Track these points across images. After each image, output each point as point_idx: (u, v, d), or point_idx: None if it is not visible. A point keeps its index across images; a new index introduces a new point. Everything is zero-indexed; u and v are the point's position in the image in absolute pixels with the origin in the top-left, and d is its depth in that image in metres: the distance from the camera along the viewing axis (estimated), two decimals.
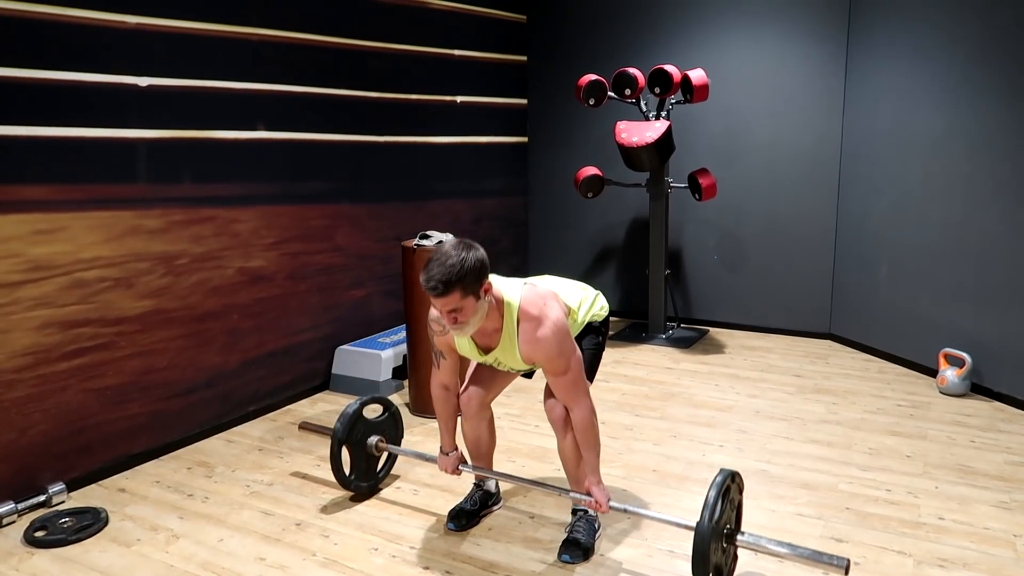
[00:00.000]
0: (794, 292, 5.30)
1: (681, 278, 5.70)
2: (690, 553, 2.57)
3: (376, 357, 4.17)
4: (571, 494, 2.54)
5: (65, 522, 2.80)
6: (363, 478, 3.00)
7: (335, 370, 4.30)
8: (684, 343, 5.17)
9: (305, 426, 3.31)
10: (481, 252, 2.24)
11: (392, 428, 3.10)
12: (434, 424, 3.77)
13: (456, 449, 2.72)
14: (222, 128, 3.60)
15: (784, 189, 5.22)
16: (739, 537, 2.24)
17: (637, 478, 3.14)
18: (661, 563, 2.52)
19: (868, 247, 4.78)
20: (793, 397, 4.10)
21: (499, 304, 2.34)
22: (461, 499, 2.86)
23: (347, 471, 2.95)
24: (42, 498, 2.95)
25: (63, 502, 2.99)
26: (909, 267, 4.47)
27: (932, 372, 4.28)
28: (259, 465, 3.35)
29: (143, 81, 3.24)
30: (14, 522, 2.84)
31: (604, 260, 5.97)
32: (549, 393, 2.51)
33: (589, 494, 2.44)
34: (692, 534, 2.12)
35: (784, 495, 2.97)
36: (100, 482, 3.18)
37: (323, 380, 4.31)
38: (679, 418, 3.82)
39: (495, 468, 2.91)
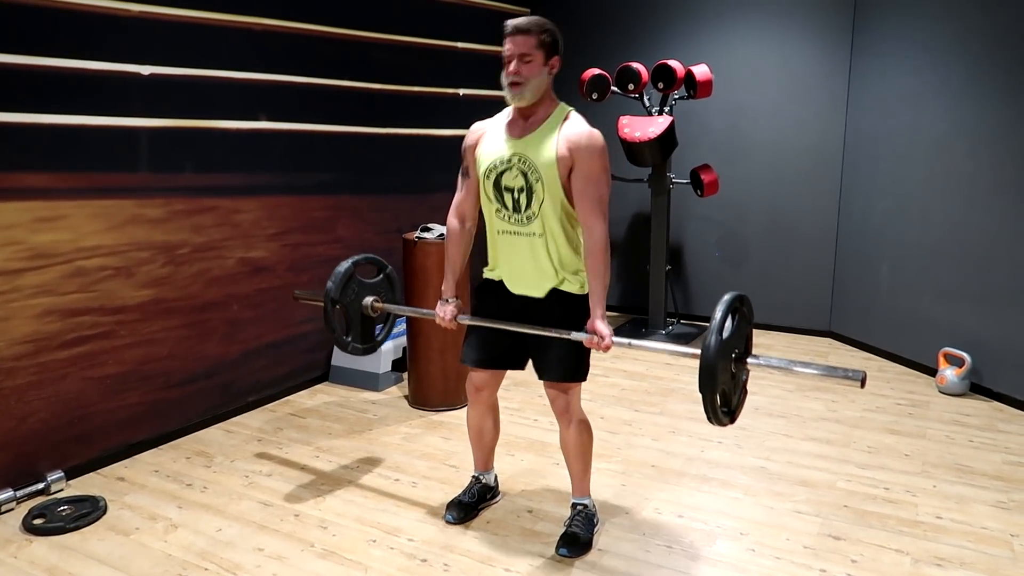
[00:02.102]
0: (795, 289, 5.30)
1: (682, 274, 5.70)
2: (688, 548, 2.58)
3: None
4: (572, 334, 2.33)
5: (64, 510, 2.80)
6: (360, 340, 2.90)
7: (334, 361, 4.30)
8: (684, 339, 5.16)
9: (299, 296, 3.19)
10: (561, 38, 2.35)
11: (388, 290, 2.96)
12: (434, 417, 3.78)
13: (457, 297, 2.61)
14: (224, 118, 3.59)
15: (786, 186, 5.22)
16: (750, 360, 2.10)
17: (636, 473, 3.15)
18: (659, 558, 2.53)
19: (869, 245, 4.78)
20: (792, 394, 4.10)
21: (553, 100, 2.38)
22: (459, 492, 2.86)
23: (345, 334, 2.85)
24: (41, 486, 2.96)
25: (62, 490, 3.00)
26: (910, 266, 4.47)
27: (932, 371, 4.28)
28: (258, 455, 3.35)
29: (145, 69, 3.23)
30: (13, 509, 2.84)
31: None
32: (550, 385, 2.51)
33: (592, 331, 2.30)
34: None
35: (782, 492, 2.97)
36: (99, 471, 3.18)
37: (323, 371, 4.30)
38: (678, 414, 3.82)
39: (495, 461, 2.91)
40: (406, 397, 4.03)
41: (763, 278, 5.40)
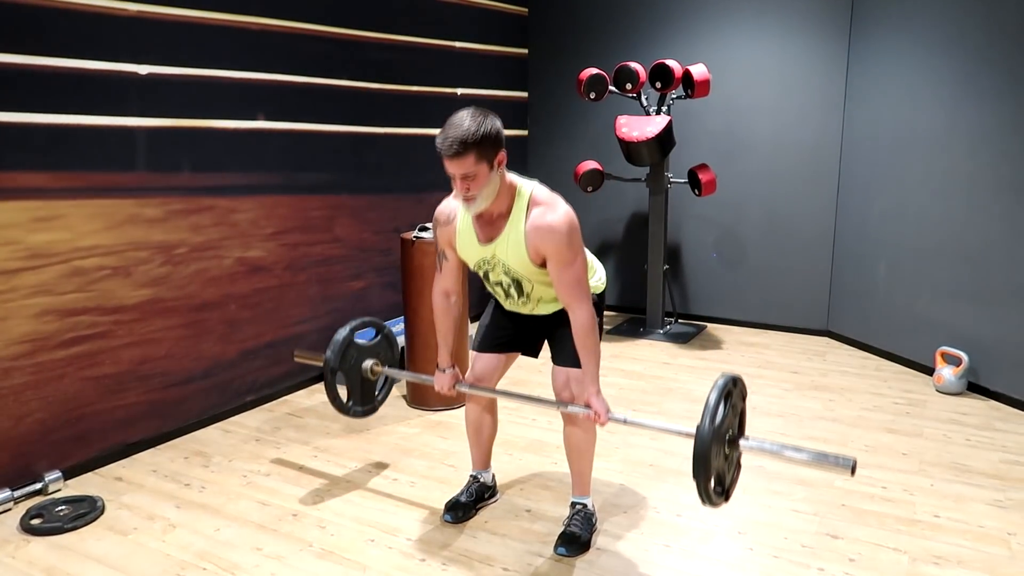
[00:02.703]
0: (792, 289, 5.30)
1: (679, 273, 5.70)
2: (686, 547, 2.58)
3: None
4: (568, 407, 2.39)
5: (61, 510, 2.80)
6: (361, 403, 2.94)
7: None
8: (682, 338, 5.17)
9: (300, 356, 3.25)
10: (498, 121, 2.19)
11: (387, 350, 2.99)
12: (432, 416, 3.78)
13: (453, 366, 2.63)
14: (222, 117, 3.59)
15: (784, 186, 5.22)
16: (742, 441, 2.13)
17: (634, 472, 3.15)
18: (657, 557, 2.53)
19: (867, 245, 4.78)
20: (790, 394, 4.10)
21: (511, 189, 2.28)
22: (458, 491, 2.86)
23: (344, 399, 2.89)
24: (39, 486, 2.95)
25: (59, 490, 2.99)
26: (908, 265, 4.47)
27: (929, 370, 4.29)
28: (256, 455, 3.35)
29: (143, 69, 3.22)
30: (10, 510, 2.84)
31: (603, 254, 5.96)
32: (557, 379, 2.50)
33: (588, 406, 2.33)
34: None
35: (780, 491, 2.98)
36: (97, 470, 3.18)
37: (321, 371, 4.29)
38: (676, 413, 3.82)
39: (493, 460, 2.91)
40: (404, 397, 4.02)
41: (761, 277, 5.40)
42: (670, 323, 5.46)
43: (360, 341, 2.89)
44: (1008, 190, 3.82)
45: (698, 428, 2.01)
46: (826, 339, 5.18)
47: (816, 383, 4.27)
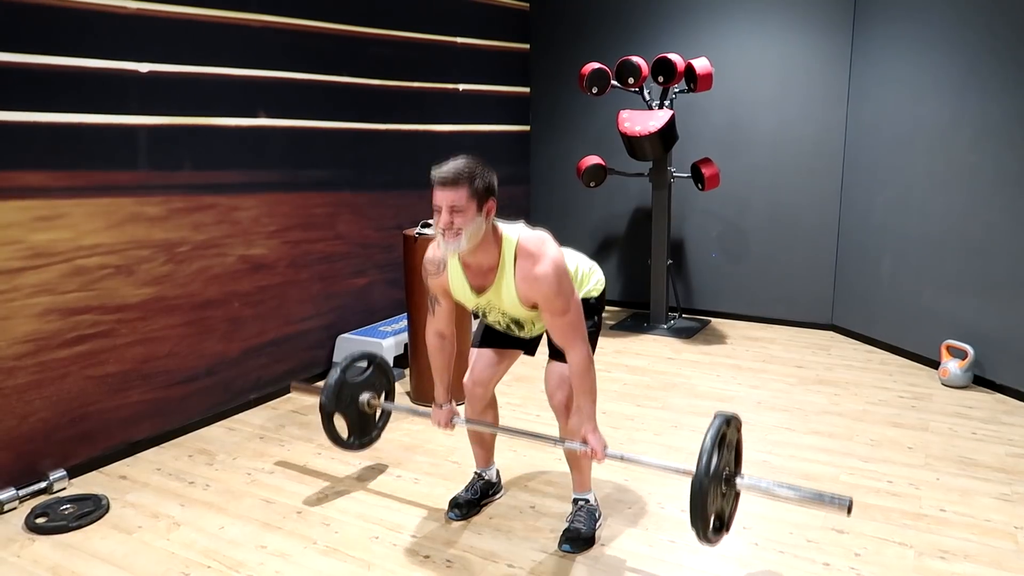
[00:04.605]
0: (796, 283, 5.29)
1: (683, 268, 5.69)
2: (691, 543, 2.57)
3: (377, 346, 4.16)
4: (566, 443, 2.44)
5: (66, 509, 2.80)
6: (361, 436, 2.97)
7: (336, 359, 4.29)
8: (686, 333, 5.16)
9: (297, 387, 3.30)
10: (495, 175, 2.26)
11: (381, 379, 3.00)
12: None
13: (450, 402, 2.64)
14: (223, 115, 3.58)
15: (787, 179, 5.20)
16: (738, 480, 2.18)
17: (638, 469, 3.14)
18: (662, 552, 2.52)
19: (871, 238, 4.76)
20: (795, 388, 4.09)
21: (497, 239, 2.28)
22: (462, 488, 2.86)
23: (345, 435, 2.91)
24: (43, 485, 2.96)
25: (64, 489, 3.00)
26: (912, 258, 4.45)
27: (934, 364, 4.27)
28: (260, 453, 3.35)
29: (144, 67, 3.21)
30: (15, 508, 2.84)
31: (606, 250, 5.95)
32: (551, 379, 2.50)
33: (585, 443, 2.35)
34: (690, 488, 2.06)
35: None
36: (101, 469, 3.18)
37: (324, 368, 4.30)
38: (680, 408, 3.81)
39: (497, 457, 2.90)
40: (408, 393, 4.02)
41: (764, 271, 5.39)
42: (674, 318, 5.45)
43: (353, 379, 2.93)
44: (1012, 182, 3.79)
45: (694, 473, 2.05)
46: (831, 333, 5.17)
47: (821, 377, 4.26)
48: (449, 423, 2.63)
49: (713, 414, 2.18)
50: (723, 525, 2.19)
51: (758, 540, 2.59)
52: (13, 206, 2.82)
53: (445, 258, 2.38)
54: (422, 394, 3.88)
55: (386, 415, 3.09)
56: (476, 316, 2.59)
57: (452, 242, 2.18)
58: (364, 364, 2.97)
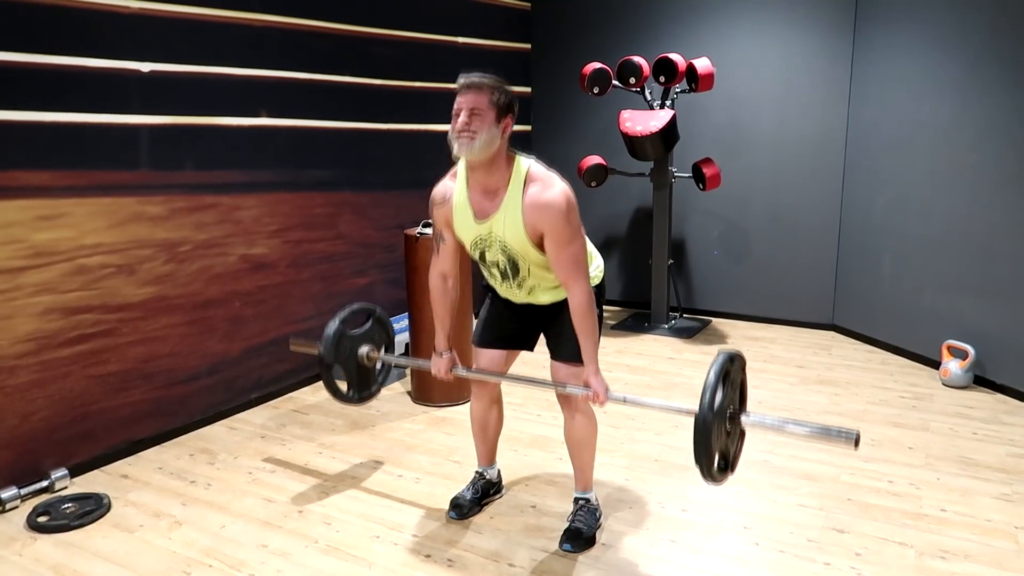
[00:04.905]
0: (797, 283, 5.29)
1: (684, 268, 5.69)
2: (692, 542, 2.57)
3: None
4: (567, 388, 2.38)
5: (68, 508, 2.81)
6: (360, 389, 2.91)
7: None
8: (687, 333, 5.16)
9: (295, 345, 3.18)
10: (518, 101, 2.29)
11: (380, 333, 2.95)
12: (437, 412, 3.78)
13: (450, 350, 2.60)
14: (224, 115, 3.59)
15: (788, 179, 5.20)
16: (743, 418, 2.14)
17: (639, 468, 3.14)
18: (663, 552, 2.52)
19: (872, 238, 4.76)
20: (796, 388, 4.09)
21: (509, 161, 2.26)
22: (463, 487, 2.86)
23: (344, 388, 2.87)
24: (45, 484, 2.96)
25: (66, 488, 3.00)
26: (913, 258, 4.45)
27: (935, 364, 4.27)
28: (261, 452, 3.35)
29: (145, 67, 3.22)
30: (17, 507, 2.85)
31: (607, 249, 5.95)
32: (561, 364, 2.48)
33: (587, 385, 2.32)
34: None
35: (786, 486, 2.97)
36: (103, 468, 3.19)
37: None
38: None
39: (498, 456, 2.90)
40: (409, 393, 4.03)
41: (765, 271, 5.39)
42: (675, 318, 5.45)
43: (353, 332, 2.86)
44: (1013, 182, 3.79)
45: (697, 410, 2.01)
46: (831, 333, 5.17)
47: (822, 377, 4.26)
48: (448, 371, 2.59)
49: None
50: (728, 465, 2.14)
51: (758, 540, 2.59)
52: (15, 205, 2.82)
53: (451, 188, 2.38)
54: (424, 394, 3.88)
55: (386, 369, 3.03)
56: (476, 263, 2.51)
57: (466, 144, 2.16)
58: (364, 317, 2.91)
